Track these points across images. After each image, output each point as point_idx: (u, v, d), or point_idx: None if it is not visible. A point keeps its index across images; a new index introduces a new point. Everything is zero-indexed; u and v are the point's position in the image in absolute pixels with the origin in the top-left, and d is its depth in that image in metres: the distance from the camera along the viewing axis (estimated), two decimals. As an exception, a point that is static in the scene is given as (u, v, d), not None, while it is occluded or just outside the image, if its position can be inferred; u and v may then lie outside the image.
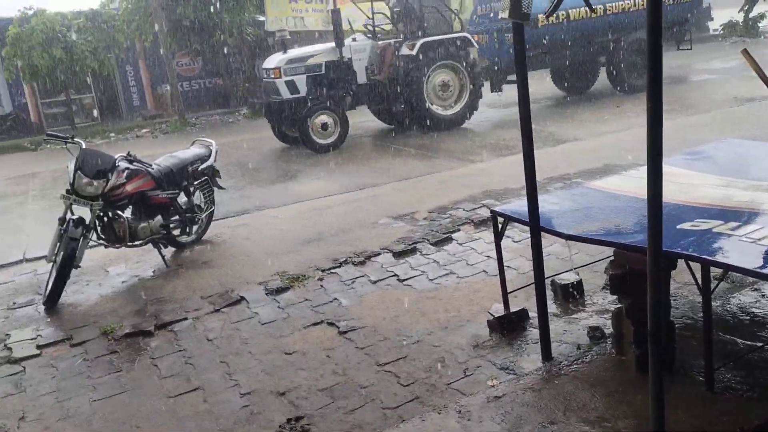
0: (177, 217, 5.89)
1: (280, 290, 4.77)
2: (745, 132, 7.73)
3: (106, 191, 5.21)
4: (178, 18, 17.59)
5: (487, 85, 12.67)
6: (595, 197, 3.73)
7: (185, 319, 4.47)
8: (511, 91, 12.96)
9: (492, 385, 3.20)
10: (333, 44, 11.02)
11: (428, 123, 11.25)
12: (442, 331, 3.87)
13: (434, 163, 8.94)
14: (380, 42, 11.55)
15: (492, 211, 3.78)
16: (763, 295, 3.69)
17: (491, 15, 12.82)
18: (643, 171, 3.88)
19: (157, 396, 3.54)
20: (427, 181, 7.89)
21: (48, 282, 5.02)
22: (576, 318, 3.85)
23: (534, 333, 3.63)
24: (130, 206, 5.53)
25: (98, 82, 21.80)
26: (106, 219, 5.37)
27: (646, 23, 2.10)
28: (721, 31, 26.05)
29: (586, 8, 12.12)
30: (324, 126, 10.70)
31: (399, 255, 5.21)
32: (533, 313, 3.71)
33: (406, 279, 4.76)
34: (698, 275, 2.67)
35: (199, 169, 6.07)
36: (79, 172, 5.11)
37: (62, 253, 4.96)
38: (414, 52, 10.94)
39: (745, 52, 3.26)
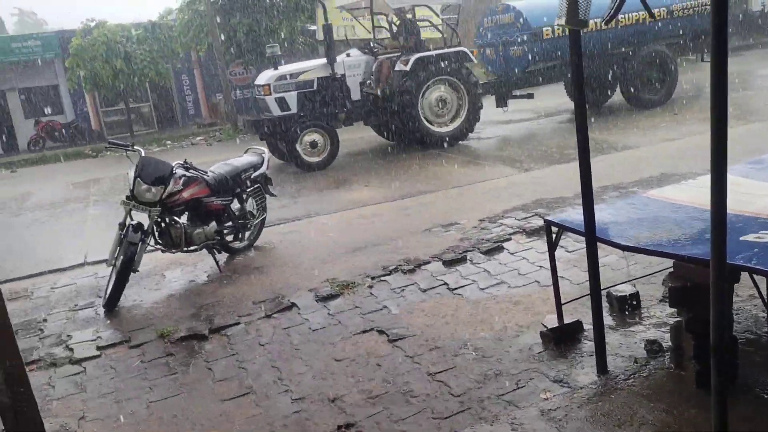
0: (230, 223, 6.01)
1: (330, 297, 4.80)
2: (812, 140, 7.41)
3: (164, 198, 5.35)
4: (232, 28, 17.99)
5: (493, 101, 12.38)
6: (654, 207, 3.63)
7: (238, 323, 4.55)
8: (519, 105, 12.81)
9: (545, 398, 3.15)
10: (325, 60, 10.79)
11: (426, 140, 10.95)
12: (494, 342, 3.82)
13: (484, 171, 8.87)
14: (379, 57, 11.25)
15: (545, 221, 3.72)
16: (833, 311, 3.52)
17: (496, 28, 12.51)
18: (702, 180, 3.79)
19: (211, 399, 3.61)
20: (478, 189, 7.83)
21: (108, 285, 5.19)
22: (632, 331, 3.75)
23: (589, 345, 3.55)
24: (186, 212, 5.67)
25: (155, 92, 22.52)
26: (163, 225, 5.52)
27: (711, 25, 2.04)
28: (784, 35, 25.07)
29: (597, 21, 11.77)
30: (313, 144, 10.47)
31: (449, 264, 5.18)
32: (588, 325, 3.63)
33: (457, 288, 4.73)
34: (763, 289, 2.57)
35: (252, 176, 6.18)
36: (138, 179, 5.27)
37: (122, 257, 5.12)
38: (408, 68, 10.63)
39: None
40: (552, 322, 3.78)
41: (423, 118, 10.89)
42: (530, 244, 5.41)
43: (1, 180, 15.14)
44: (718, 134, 2.08)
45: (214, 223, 5.77)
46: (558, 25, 2.91)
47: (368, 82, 11.19)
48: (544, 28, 11.62)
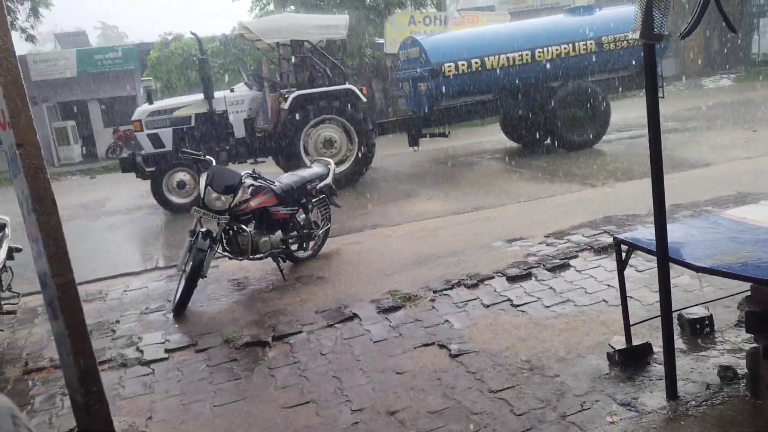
0: (295, 232, 6.12)
1: (391, 309, 4.80)
2: None
3: (233, 206, 5.50)
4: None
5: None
6: (730, 227, 3.48)
7: (300, 332, 4.61)
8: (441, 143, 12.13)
9: (612, 422, 3.04)
10: (202, 96, 10.29)
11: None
12: (558, 361, 3.73)
13: (552, 185, 8.71)
14: (276, 92, 10.86)
15: (615, 239, 3.62)
16: None
17: (407, 62, 11.90)
18: (786, 201, 3.59)
19: (273, 406, 3.66)
20: (545, 204, 7.70)
21: (177, 290, 5.36)
22: (705, 356, 3.59)
23: (658, 369, 3.42)
24: (253, 221, 5.80)
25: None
26: (231, 232, 5.67)
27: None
28: None
29: (523, 53, 10.94)
30: (181, 184, 9.90)
31: (513, 279, 5.10)
32: (657, 348, 3.50)
33: (520, 305, 4.65)
34: None
35: (318, 187, 6.28)
36: (209, 187, 5.43)
37: (191, 263, 5.28)
38: (286, 106, 10.13)
39: None
40: (620, 343, 3.66)
41: (306, 159, 10.09)
42: (598, 262, 5.27)
43: (80, 186, 15.92)
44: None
45: (279, 232, 5.88)
46: (632, 39, 2.84)
47: (255, 119, 10.72)
48: (446, 65, 10.91)
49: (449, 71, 10.91)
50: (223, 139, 10.37)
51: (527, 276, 5.15)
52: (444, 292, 5.04)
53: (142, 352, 4.57)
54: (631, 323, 3.66)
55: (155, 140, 10.10)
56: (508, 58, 11.04)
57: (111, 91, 22.57)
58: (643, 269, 4.91)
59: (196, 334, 4.79)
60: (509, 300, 4.75)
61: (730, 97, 16.64)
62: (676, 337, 3.67)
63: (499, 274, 5.23)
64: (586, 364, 3.66)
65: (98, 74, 21.93)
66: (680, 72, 24.05)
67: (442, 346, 4.12)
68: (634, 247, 3.48)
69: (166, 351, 4.55)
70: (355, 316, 4.77)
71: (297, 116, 10.24)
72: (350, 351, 4.24)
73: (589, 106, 11.40)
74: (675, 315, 3.67)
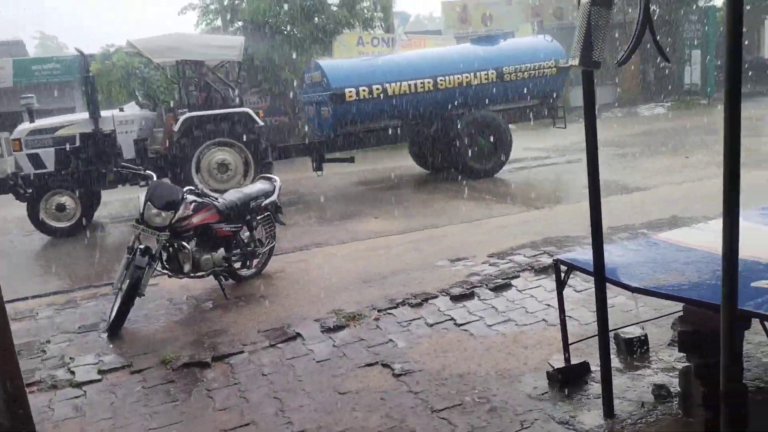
0: (239, 250, 6.02)
1: (335, 328, 4.77)
2: (825, 187, 7.38)
3: (173, 222, 5.37)
4: (249, 57, 18.28)
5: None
6: (664, 250, 3.61)
7: (241, 352, 4.52)
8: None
9: (550, 440, 3.09)
10: (88, 114, 9.83)
11: None
12: (499, 380, 3.77)
13: (495, 207, 8.87)
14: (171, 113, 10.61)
15: (555, 260, 3.70)
16: None
17: (311, 86, 11.70)
18: (714, 224, 3.76)
19: (211, 429, 3.56)
20: (488, 224, 7.82)
21: (112, 309, 5.18)
22: (640, 374, 3.69)
23: (595, 388, 3.50)
24: (195, 238, 5.68)
25: (171, 117, 22.73)
26: (171, 249, 5.53)
27: (725, 70, 2.05)
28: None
29: (424, 80, 10.92)
30: (60, 207, 9.36)
31: (456, 299, 5.15)
32: (595, 367, 3.58)
33: (464, 324, 4.69)
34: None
35: (263, 204, 6.21)
36: (149, 203, 5.30)
37: (128, 281, 5.12)
38: (176, 128, 9.87)
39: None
40: (559, 362, 3.73)
41: (198, 182, 9.72)
42: (538, 282, 5.38)
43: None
44: (731, 179, 2.07)
45: (222, 250, 5.77)
46: (571, 65, 2.93)
47: (146, 140, 10.32)
48: (347, 90, 10.72)
49: (350, 96, 10.72)
50: (110, 159, 9.73)
51: (470, 295, 5.20)
52: (389, 311, 5.04)
53: (73, 373, 4.39)
54: (569, 342, 3.73)
55: (35, 160, 9.50)
56: (410, 85, 10.99)
57: (49, 102, 21.80)
58: (581, 289, 5.03)
59: (131, 354, 4.63)
60: (453, 319, 4.79)
61: (664, 125, 17.36)
62: (612, 356, 3.76)
63: (443, 294, 5.27)
64: (527, 382, 3.71)
65: (36, 85, 21.19)
66: (617, 99, 24.99)
67: (385, 366, 4.11)
68: (572, 267, 3.56)
69: (99, 372, 4.38)
70: (299, 335, 4.71)
71: (189, 138, 9.94)
72: (292, 371, 4.18)
73: (491, 135, 11.45)
74: (611, 334, 3.76)
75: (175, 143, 9.98)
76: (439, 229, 7.82)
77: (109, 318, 5.13)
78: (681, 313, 3.08)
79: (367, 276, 5.98)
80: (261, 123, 10.54)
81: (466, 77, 11.26)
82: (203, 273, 5.64)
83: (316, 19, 18.35)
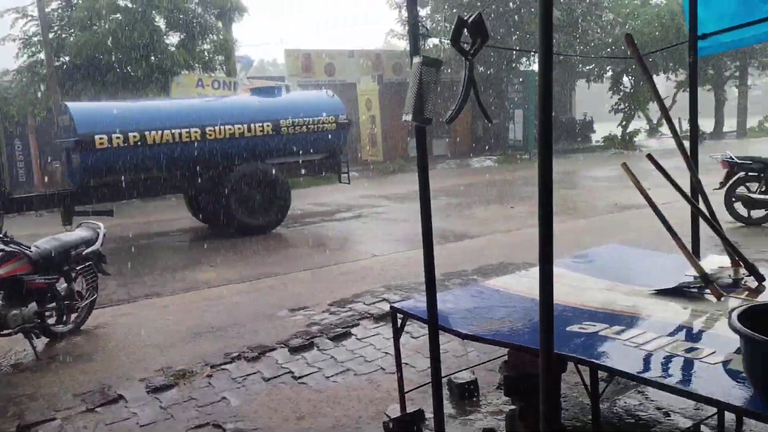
0: (54, 304, 5.46)
1: (163, 387, 4.43)
2: (626, 236, 8.28)
3: (-25, 275, 4.76)
4: (76, 93, 17.15)
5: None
6: (491, 296, 3.79)
7: (53, 419, 4.04)
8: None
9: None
10: None
11: None
12: (336, 433, 3.70)
13: (335, 254, 8.90)
14: None
15: (391, 307, 3.74)
16: (646, 398, 3.81)
17: (62, 131, 10.76)
18: (534, 272, 4.02)
19: None
20: (329, 272, 7.81)
21: None
22: (471, 419, 3.80)
23: (430, 435, 3.54)
24: (2, 291, 5.07)
25: (-19, 155, 20.56)
26: (-29, 305, 4.89)
27: (538, 129, 2.21)
28: (602, 143, 28.56)
29: (195, 130, 10.26)
30: None
31: (295, 350, 5.03)
32: (429, 414, 3.63)
33: (302, 376, 4.58)
34: (586, 377, 2.72)
35: (84, 253, 5.72)
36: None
37: None
38: None
39: (625, 165, 3.53)
40: (395, 411, 3.74)
41: None
42: (377, 330, 5.42)
43: None
44: (545, 230, 2.21)
45: (34, 304, 5.20)
46: (404, 121, 3.02)
47: None
48: (97, 136, 9.69)
49: (102, 143, 9.69)
50: None
51: (310, 346, 5.11)
52: (223, 366, 4.79)
53: None
54: (405, 390, 3.77)
55: None
56: (174, 134, 10.19)
57: None
58: (418, 335, 5.14)
59: None
60: (291, 372, 4.66)
61: (492, 176, 18.66)
62: (446, 402, 3.85)
63: (282, 345, 5.13)
64: (364, 434, 3.67)
65: None
66: (450, 152, 26.59)
67: (217, 426, 3.87)
68: (408, 315, 3.62)
69: None
70: (121, 397, 4.32)
71: None
72: (112, 438, 3.81)
73: (267, 189, 10.92)
74: (445, 380, 3.86)
75: None
76: (279, 277, 7.67)
77: None
78: (506, 358, 3.22)
79: (201, 329, 5.68)
80: None
81: (239, 128, 10.72)
82: (11, 330, 5.03)
83: (152, 57, 17.69)
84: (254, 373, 4.67)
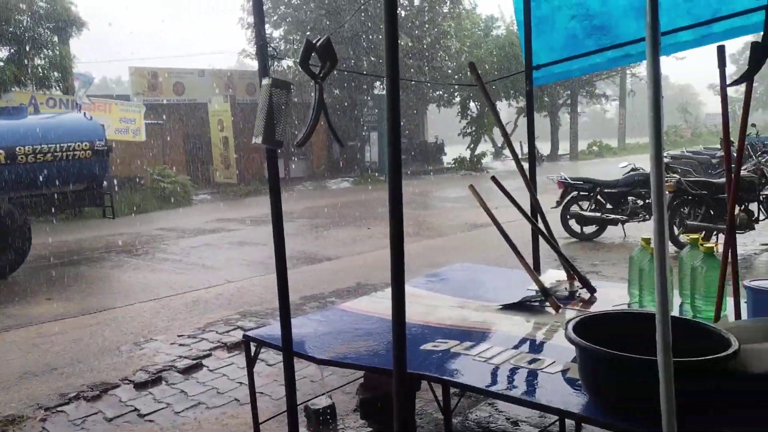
0: None
1: (-14, 438, 3.96)
2: (476, 254, 8.69)
3: None
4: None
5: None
6: (347, 319, 3.78)
7: None
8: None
9: None
10: None
11: None
12: (187, 473, 3.48)
13: (185, 281, 8.50)
14: None
15: (244, 336, 3.61)
16: (496, 410, 3.97)
17: None
18: (389, 292, 4.08)
19: None
20: (181, 299, 7.43)
21: None
22: (330, 444, 3.75)
23: (287, 465, 3.43)
24: None
25: None
26: None
27: (388, 152, 2.24)
28: (453, 165, 30.03)
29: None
30: None
31: (141, 386, 4.70)
32: (286, 444, 3.52)
33: (148, 414, 4.28)
34: (439, 393, 2.78)
35: None
36: None
37: None
38: None
39: (472, 187, 3.69)
40: (250, 443, 3.60)
41: None
42: (231, 359, 5.22)
43: None
44: (396, 250, 2.24)
45: None
46: (254, 143, 2.95)
47: None
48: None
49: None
50: None
51: (157, 381, 4.80)
52: (59, 408, 4.38)
53: None
54: (260, 421, 3.64)
55: None
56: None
57: None
58: (273, 363, 5.01)
59: None
60: (136, 410, 4.34)
61: (349, 198, 18.88)
62: (302, 430, 3.77)
63: (126, 382, 4.78)
64: (217, 471, 3.49)
65: None
66: (307, 174, 26.61)
67: (50, 477, 3.51)
68: (262, 344, 3.51)
69: None
70: (-68, 454, 3.79)
71: None
72: None
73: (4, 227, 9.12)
74: (302, 407, 3.78)
75: None
76: (123, 308, 7.18)
77: None
78: (362, 380, 3.22)
79: (34, 369, 5.16)
80: None
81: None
82: None
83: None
84: (95, 413, 4.30)
